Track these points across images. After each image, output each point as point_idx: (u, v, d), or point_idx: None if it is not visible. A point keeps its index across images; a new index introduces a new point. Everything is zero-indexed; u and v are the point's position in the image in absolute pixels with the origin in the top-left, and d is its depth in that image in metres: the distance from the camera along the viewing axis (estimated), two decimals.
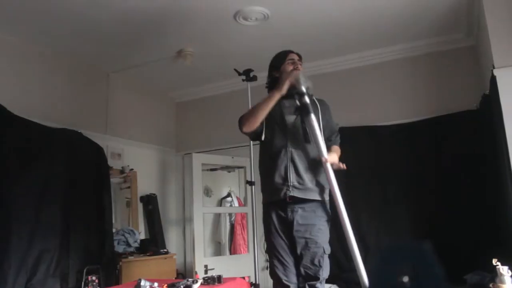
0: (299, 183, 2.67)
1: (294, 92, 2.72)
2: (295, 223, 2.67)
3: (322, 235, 2.67)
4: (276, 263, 2.70)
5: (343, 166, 2.73)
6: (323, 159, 2.64)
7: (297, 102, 2.72)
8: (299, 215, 2.67)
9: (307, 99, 2.69)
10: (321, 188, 2.72)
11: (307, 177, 2.68)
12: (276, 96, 2.70)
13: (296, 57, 2.92)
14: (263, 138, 2.78)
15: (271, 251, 2.74)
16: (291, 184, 2.66)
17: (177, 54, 4.58)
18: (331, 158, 2.69)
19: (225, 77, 5.22)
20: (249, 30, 4.13)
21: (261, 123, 2.77)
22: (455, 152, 4.17)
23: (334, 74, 4.97)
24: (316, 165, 2.71)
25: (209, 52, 4.61)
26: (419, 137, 4.39)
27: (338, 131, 2.99)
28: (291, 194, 2.66)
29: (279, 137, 2.75)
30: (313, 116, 2.67)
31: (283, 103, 2.79)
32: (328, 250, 2.68)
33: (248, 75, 4.06)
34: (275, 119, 2.78)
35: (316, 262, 2.63)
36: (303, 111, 2.71)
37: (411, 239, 4.14)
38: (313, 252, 2.63)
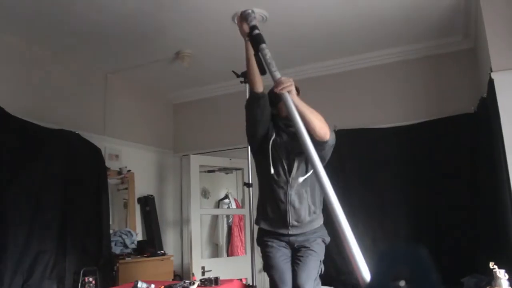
0: (297, 221, 2.70)
1: (246, 35, 2.66)
2: (295, 240, 2.73)
3: (319, 249, 2.73)
4: (276, 280, 2.70)
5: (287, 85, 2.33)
6: (277, 88, 2.31)
7: (247, 34, 2.63)
8: (300, 236, 2.74)
9: (257, 30, 2.63)
10: (317, 216, 2.76)
11: (304, 213, 2.70)
12: (247, 47, 2.72)
13: None
14: (272, 172, 2.70)
15: (270, 270, 2.75)
16: (290, 224, 2.70)
17: (175, 56, 4.58)
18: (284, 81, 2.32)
19: (223, 79, 5.22)
20: None
21: (266, 151, 2.74)
22: (453, 155, 4.17)
23: (332, 76, 4.97)
24: (311, 193, 2.73)
25: (207, 54, 4.61)
26: (416, 139, 4.39)
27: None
28: (290, 232, 2.72)
29: (282, 177, 2.71)
30: (265, 45, 2.53)
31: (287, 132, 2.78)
32: (321, 268, 2.74)
33: (246, 77, 4.05)
34: (279, 155, 2.74)
35: (311, 270, 2.65)
36: (256, 42, 2.59)
37: (407, 244, 4.13)
38: (310, 260, 2.67)
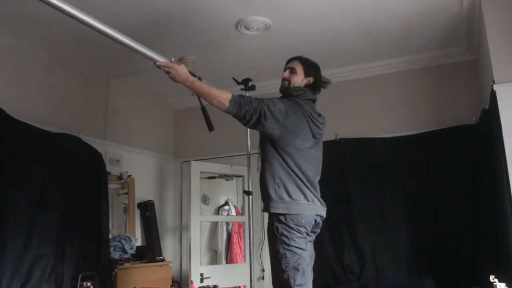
0: (261, 191, 2.70)
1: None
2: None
3: (273, 256, 2.59)
4: None
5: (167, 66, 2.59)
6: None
7: None
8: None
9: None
10: (272, 202, 2.59)
11: (263, 187, 2.68)
12: (196, 84, 2.75)
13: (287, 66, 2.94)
14: None
15: None
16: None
17: (177, 61, 4.58)
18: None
19: (224, 86, 5.18)
20: (250, 40, 4.14)
21: None
22: (454, 166, 4.16)
23: (333, 85, 4.88)
24: (262, 175, 2.69)
25: (210, 60, 4.61)
26: (418, 150, 4.38)
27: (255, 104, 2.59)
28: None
29: None
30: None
31: None
32: (282, 270, 2.51)
33: (246, 84, 4.04)
34: None
35: (275, 281, 2.61)
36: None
37: (413, 277, 4.13)
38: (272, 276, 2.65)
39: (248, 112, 2.53)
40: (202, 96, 2.59)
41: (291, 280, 2.45)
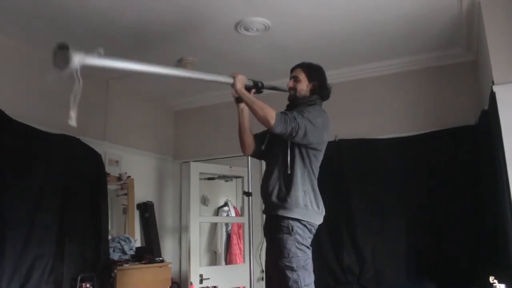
0: (264, 197, 2.73)
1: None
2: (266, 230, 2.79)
3: (280, 255, 2.58)
4: None
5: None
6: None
7: None
8: (268, 224, 2.74)
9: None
10: (288, 206, 2.59)
11: (269, 190, 2.69)
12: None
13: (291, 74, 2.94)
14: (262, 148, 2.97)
15: None
16: (262, 198, 2.78)
17: (177, 63, 4.58)
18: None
19: (224, 87, 5.19)
20: (250, 41, 4.14)
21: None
22: (453, 166, 4.16)
23: (333, 86, 4.90)
24: (290, 178, 2.64)
25: (210, 61, 4.61)
26: (417, 151, 4.37)
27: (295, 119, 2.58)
28: (263, 210, 2.77)
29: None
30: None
31: None
32: (292, 269, 2.51)
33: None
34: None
35: (279, 281, 2.58)
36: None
37: (413, 278, 4.13)
38: (275, 276, 2.62)
39: (294, 128, 2.53)
40: (250, 105, 2.65)
41: (301, 280, 2.47)
